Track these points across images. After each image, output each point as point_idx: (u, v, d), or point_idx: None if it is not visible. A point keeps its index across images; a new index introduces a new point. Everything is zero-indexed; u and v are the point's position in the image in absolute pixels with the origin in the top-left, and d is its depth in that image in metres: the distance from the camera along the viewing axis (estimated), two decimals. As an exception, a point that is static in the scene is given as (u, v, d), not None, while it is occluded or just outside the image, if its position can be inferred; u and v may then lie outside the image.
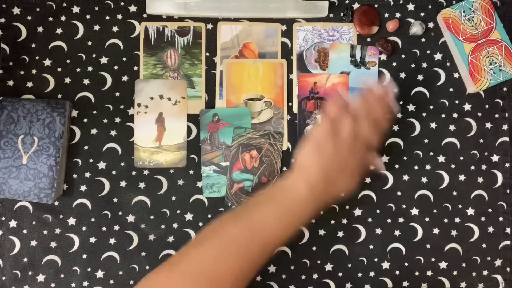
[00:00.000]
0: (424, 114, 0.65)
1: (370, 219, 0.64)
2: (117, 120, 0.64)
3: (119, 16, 0.65)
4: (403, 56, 0.66)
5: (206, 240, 0.51)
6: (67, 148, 0.63)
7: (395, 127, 0.65)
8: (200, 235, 0.52)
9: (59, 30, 0.64)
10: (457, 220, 0.65)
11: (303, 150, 0.55)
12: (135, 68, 0.64)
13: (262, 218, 0.52)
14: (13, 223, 0.62)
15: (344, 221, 0.64)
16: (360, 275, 0.64)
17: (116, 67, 0.64)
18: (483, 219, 0.65)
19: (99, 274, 0.63)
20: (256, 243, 0.51)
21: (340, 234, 0.64)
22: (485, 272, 0.65)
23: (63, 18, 0.64)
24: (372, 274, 0.64)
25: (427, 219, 0.65)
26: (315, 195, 0.53)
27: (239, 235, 0.51)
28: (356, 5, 0.66)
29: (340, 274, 0.64)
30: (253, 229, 0.51)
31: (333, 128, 0.53)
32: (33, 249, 0.62)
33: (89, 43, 0.64)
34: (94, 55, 0.64)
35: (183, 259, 0.51)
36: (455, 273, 0.65)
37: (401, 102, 0.65)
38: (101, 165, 0.63)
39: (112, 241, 0.63)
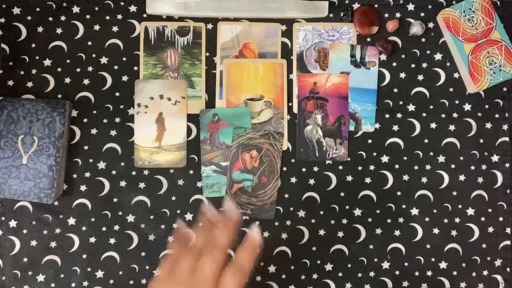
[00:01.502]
0: (424, 114, 0.65)
1: (370, 219, 0.64)
2: (117, 120, 0.64)
3: (119, 16, 0.65)
4: (403, 56, 0.66)
5: None
6: (67, 148, 0.63)
7: (395, 127, 0.65)
8: None
9: (59, 30, 0.64)
10: (457, 220, 0.65)
11: None
12: (135, 68, 0.64)
13: None
14: (13, 223, 0.62)
15: (344, 221, 0.64)
16: (360, 275, 0.64)
17: (116, 67, 0.64)
18: (483, 219, 0.65)
19: (99, 274, 0.63)
20: None
21: (340, 234, 0.64)
22: (485, 272, 0.65)
23: (63, 18, 0.64)
24: (372, 274, 0.64)
25: (427, 219, 0.65)
26: None
27: None
28: (356, 5, 0.66)
29: (340, 274, 0.64)
30: None
31: (171, 270, 0.46)
32: (33, 249, 0.62)
33: (89, 43, 0.64)
34: (94, 55, 0.64)
35: None
36: (455, 273, 0.65)
37: (401, 102, 0.65)
38: (101, 165, 0.63)
39: (112, 241, 0.63)
